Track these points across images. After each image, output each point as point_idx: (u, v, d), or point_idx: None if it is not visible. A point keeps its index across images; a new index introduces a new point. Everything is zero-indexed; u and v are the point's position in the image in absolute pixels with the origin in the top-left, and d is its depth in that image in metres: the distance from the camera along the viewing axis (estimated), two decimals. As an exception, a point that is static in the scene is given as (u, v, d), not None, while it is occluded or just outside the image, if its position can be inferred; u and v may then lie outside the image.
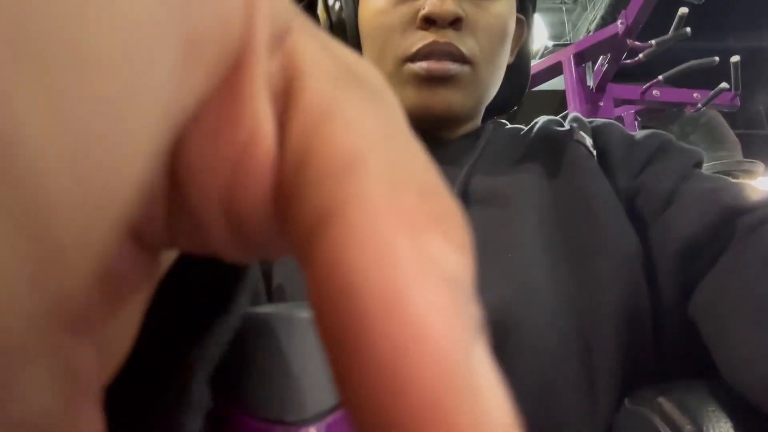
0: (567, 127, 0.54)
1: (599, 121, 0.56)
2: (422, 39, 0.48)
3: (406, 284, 0.07)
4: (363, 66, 0.11)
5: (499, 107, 0.62)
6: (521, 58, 0.62)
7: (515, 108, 0.67)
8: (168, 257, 0.12)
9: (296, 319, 0.17)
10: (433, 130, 0.54)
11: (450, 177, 0.49)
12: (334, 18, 0.56)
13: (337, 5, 0.56)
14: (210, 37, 0.08)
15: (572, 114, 0.57)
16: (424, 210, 0.08)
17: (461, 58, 0.49)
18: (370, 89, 0.10)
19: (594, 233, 0.45)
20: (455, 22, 0.48)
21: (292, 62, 0.10)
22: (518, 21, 0.58)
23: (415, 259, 0.08)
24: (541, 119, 0.57)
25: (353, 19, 0.55)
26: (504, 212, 0.47)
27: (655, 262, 0.44)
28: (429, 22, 0.48)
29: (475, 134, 0.55)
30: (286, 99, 0.09)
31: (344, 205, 0.08)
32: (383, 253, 0.08)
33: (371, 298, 0.07)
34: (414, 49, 0.49)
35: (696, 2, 2.17)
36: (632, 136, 0.52)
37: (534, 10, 0.63)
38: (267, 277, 0.45)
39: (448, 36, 0.48)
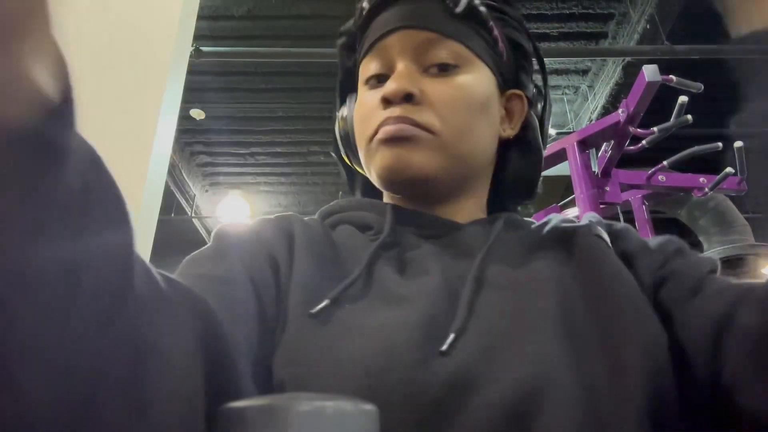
0: (586, 222, 0.56)
1: (617, 224, 0.57)
2: (381, 116, 0.54)
3: None
4: None
5: (519, 186, 0.62)
6: (527, 130, 0.62)
7: (537, 191, 0.64)
8: None
9: (293, 412, 0.16)
10: (423, 200, 0.57)
11: (464, 264, 0.49)
12: (348, 124, 0.63)
13: (345, 112, 0.64)
14: None
15: (588, 213, 0.60)
16: None
17: (417, 126, 0.53)
18: None
19: (617, 321, 0.44)
20: (409, 99, 0.54)
21: None
22: (517, 96, 0.61)
23: None
24: (553, 218, 0.59)
25: (353, 119, 0.62)
26: (521, 297, 0.46)
27: (681, 347, 0.43)
28: (387, 102, 0.55)
29: (489, 221, 0.57)
30: None
31: None
32: None
33: None
34: (376, 125, 0.55)
35: (695, 90, 2.23)
36: (647, 242, 0.54)
37: (546, 87, 0.64)
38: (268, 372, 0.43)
39: (403, 110, 0.53)
